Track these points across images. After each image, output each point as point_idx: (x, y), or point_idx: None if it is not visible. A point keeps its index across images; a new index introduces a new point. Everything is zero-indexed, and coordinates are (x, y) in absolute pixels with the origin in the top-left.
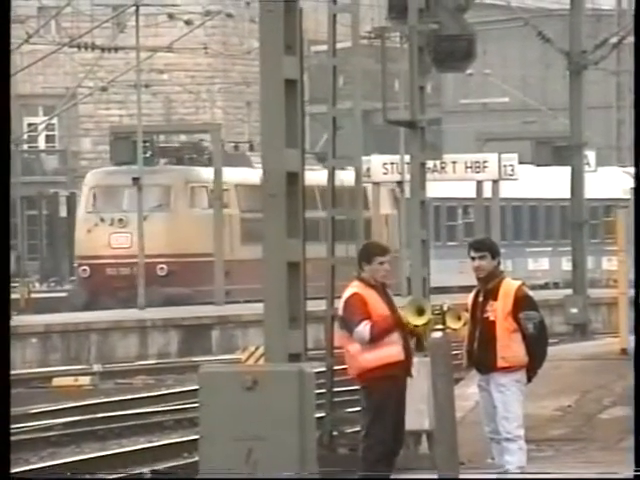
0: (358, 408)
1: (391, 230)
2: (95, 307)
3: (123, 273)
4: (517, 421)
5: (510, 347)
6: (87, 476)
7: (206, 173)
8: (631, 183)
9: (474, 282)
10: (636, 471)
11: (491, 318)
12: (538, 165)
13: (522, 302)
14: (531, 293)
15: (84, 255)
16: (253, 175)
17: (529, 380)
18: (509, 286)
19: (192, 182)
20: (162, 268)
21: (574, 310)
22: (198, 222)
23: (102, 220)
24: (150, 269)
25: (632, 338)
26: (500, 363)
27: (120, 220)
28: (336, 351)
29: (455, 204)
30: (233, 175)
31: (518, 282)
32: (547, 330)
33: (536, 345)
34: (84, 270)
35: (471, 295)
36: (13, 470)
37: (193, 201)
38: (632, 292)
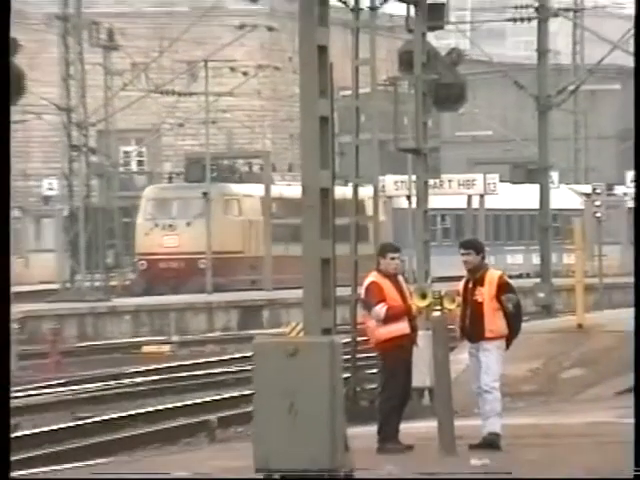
0: (375, 370)
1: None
2: (151, 293)
3: (172, 266)
4: (494, 376)
5: (495, 322)
6: (87, 476)
7: (237, 188)
8: (578, 198)
9: (464, 273)
10: (636, 471)
11: (479, 300)
12: (514, 183)
13: (503, 287)
14: (510, 280)
15: (143, 252)
16: (275, 190)
17: (507, 347)
18: (493, 275)
19: (226, 195)
20: (203, 263)
21: (541, 294)
22: (230, 227)
23: (156, 225)
24: (193, 263)
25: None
26: (487, 334)
27: (170, 225)
28: (358, 326)
29: (450, 213)
30: (260, 190)
31: (499, 272)
32: (522, 309)
33: (514, 320)
34: (142, 264)
35: (462, 283)
36: (13, 472)
37: (226, 210)
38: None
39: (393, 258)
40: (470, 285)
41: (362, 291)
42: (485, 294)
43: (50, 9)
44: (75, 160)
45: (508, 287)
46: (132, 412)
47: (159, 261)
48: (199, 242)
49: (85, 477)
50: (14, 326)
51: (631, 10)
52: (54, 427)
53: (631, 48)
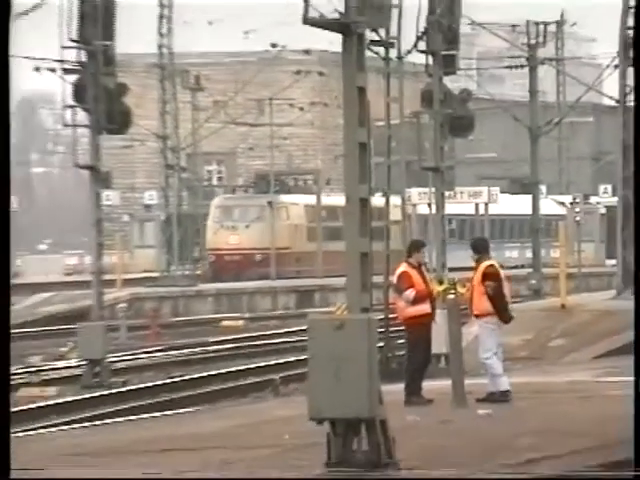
0: (403, 340)
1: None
2: (217, 281)
3: (234, 259)
4: (484, 348)
5: (480, 303)
6: (88, 476)
7: (285, 198)
8: (562, 206)
9: (469, 264)
10: (636, 471)
11: (473, 284)
12: (511, 194)
13: (486, 275)
14: (496, 270)
15: (211, 248)
16: (314, 200)
17: (506, 323)
18: (482, 266)
19: (277, 204)
20: (257, 256)
21: (533, 281)
22: (279, 229)
23: (222, 227)
24: (250, 257)
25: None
26: (475, 312)
27: (232, 227)
28: (390, 306)
29: (461, 218)
30: (303, 200)
31: (488, 263)
32: (502, 293)
33: (495, 302)
34: (211, 257)
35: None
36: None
37: (277, 215)
38: (571, 270)
39: (419, 252)
40: (472, 274)
41: (394, 278)
42: (475, 280)
43: (151, 60)
44: (170, 176)
45: (489, 275)
46: (213, 372)
47: (224, 255)
48: (254, 240)
49: (86, 477)
50: (123, 305)
51: (603, 60)
52: (154, 383)
53: (605, 89)
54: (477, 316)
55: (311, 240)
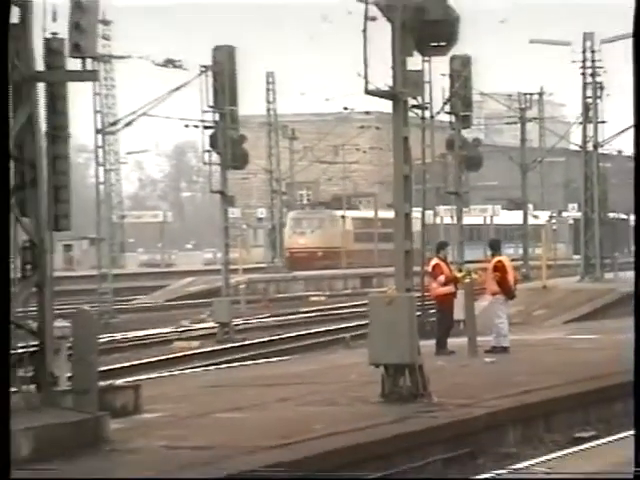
0: (434, 311)
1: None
2: (292, 270)
3: (302, 255)
4: (497, 315)
5: (491, 285)
6: (88, 476)
7: (339, 212)
8: (543, 218)
9: (480, 257)
10: (636, 471)
11: (488, 273)
12: (509, 210)
13: (496, 268)
14: (503, 264)
15: (287, 247)
16: (359, 214)
17: (510, 299)
18: (494, 260)
19: (333, 217)
20: (319, 253)
21: (524, 270)
22: (334, 234)
23: (294, 232)
24: (314, 253)
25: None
26: (487, 292)
27: (302, 232)
28: (425, 287)
29: (473, 226)
30: (351, 213)
31: (498, 258)
32: (506, 279)
33: (501, 285)
34: (287, 254)
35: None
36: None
37: (332, 225)
38: (549, 262)
39: (444, 249)
40: (488, 265)
41: (429, 268)
42: (489, 270)
43: (261, 118)
44: (274, 198)
45: (498, 268)
46: (303, 332)
47: (296, 252)
48: (316, 241)
49: (86, 477)
50: (243, 286)
51: (570, 119)
52: (264, 339)
53: (572, 139)
54: (492, 294)
55: (357, 241)
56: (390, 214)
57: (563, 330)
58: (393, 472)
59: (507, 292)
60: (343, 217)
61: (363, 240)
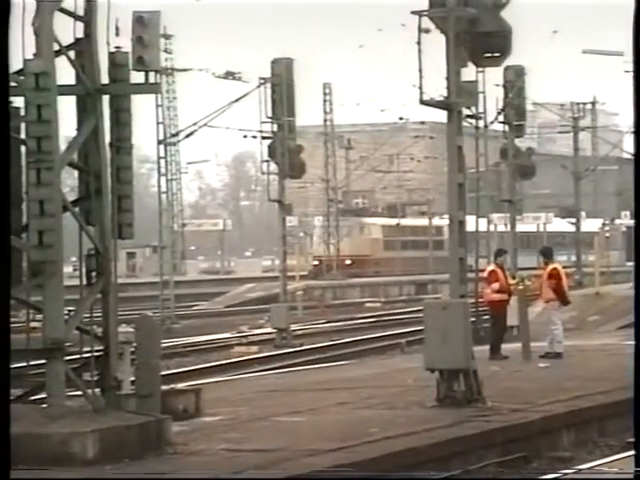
0: (488, 317)
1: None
2: (318, 278)
3: (330, 263)
4: (553, 321)
5: (547, 292)
6: (87, 476)
7: (369, 220)
8: (596, 226)
9: (533, 264)
10: (636, 471)
11: (542, 280)
12: (562, 218)
13: (551, 275)
14: (558, 272)
15: (315, 256)
16: (390, 221)
17: (565, 305)
18: (549, 268)
19: (362, 224)
20: (348, 261)
21: (577, 276)
22: (363, 241)
23: (322, 240)
24: (343, 260)
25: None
26: (543, 299)
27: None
28: (479, 293)
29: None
30: (380, 221)
31: (553, 266)
32: (561, 286)
33: (556, 292)
34: (315, 261)
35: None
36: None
37: (361, 232)
38: (602, 269)
39: (501, 256)
40: (543, 272)
41: (485, 274)
42: (544, 276)
43: (318, 129)
44: (330, 207)
45: (553, 275)
46: (360, 337)
47: (323, 260)
48: (345, 249)
49: (85, 477)
50: (300, 292)
51: (623, 128)
52: (321, 345)
53: (625, 147)
54: (546, 301)
55: (387, 249)
56: (422, 221)
57: (616, 336)
58: (449, 475)
59: (563, 299)
60: (372, 225)
61: (393, 248)
